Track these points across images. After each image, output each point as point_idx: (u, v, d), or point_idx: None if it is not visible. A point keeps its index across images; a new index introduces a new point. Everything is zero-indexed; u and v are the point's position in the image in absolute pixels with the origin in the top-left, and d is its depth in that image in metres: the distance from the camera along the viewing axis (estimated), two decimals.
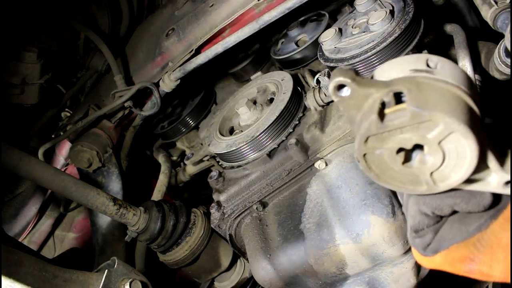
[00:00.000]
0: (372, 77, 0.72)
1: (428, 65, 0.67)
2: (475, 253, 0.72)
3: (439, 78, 0.65)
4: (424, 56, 0.69)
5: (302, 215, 1.21)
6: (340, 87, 0.68)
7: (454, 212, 0.75)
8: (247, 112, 1.45)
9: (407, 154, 0.69)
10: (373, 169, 0.72)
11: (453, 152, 0.65)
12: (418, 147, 0.68)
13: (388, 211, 1.06)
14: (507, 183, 0.67)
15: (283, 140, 1.33)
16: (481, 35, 1.45)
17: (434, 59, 0.67)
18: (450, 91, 0.64)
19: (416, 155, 0.69)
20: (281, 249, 1.18)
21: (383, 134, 0.66)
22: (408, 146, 0.67)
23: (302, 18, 1.80)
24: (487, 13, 1.24)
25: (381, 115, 0.65)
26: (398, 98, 0.66)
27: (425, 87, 0.64)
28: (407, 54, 1.25)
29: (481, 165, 0.66)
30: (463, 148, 0.63)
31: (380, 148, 0.68)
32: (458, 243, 0.73)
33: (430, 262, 0.80)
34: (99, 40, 1.93)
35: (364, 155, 0.71)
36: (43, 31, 1.94)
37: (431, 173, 0.69)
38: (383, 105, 0.66)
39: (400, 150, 0.68)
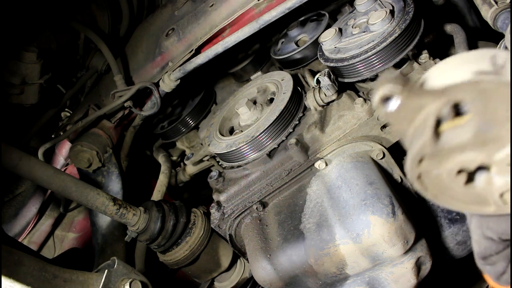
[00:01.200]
0: (422, 84, 0.60)
1: (495, 64, 0.55)
2: None
3: (509, 80, 0.52)
4: (489, 52, 0.56)
5: (302, 215, 1.21)
6: (387, 97, 0.57)
7: None
8: (247, 112, 1.45)
9: (470, 173, 0.59)
10: (430, 189, 0.62)
11: None
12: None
13: (388, 211, 1.06)
14: None
15: (283, 140, 1.33)
16: (481, 35, 1.46)
17: (502, 56, 0.55)
18: None
19: (481, 174, 0.58)
20: (281, 249, 1.18)
21: (440, 154, 0.56)
22: (471, 167, 0.56)
23: (302, 18, 1.80)
24: (487, 13, 1.24)
25: (437, 132, 0.55)
26: (458, 108, 0.55)
27: (491, 95, 0.51)
28: (407, 54, 1.25)
29: None
30: None
31: (437, 169, 0.58)
32: None
33: None
34: (99, 40, 1.93)
35: (419, 175, 0.60)
36: (43, 31, 1.94)
37: (501, 194, 0.58)
38: (439, 120, 0.55)
39: (461, 170, 0.58)
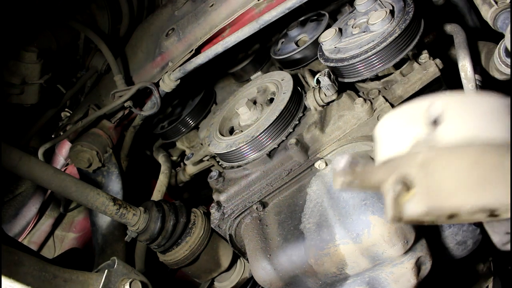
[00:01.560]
0: (374, 161, 0.58)
1: (430, 121, 0.50)
2: None
3: (448, 142, 0.48)
4: (424, 105, 0.51)
5: (302, 215, 1.21)
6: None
7: None
8: (247, 112, 1.44)
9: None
10: (426, 222, 0.60)
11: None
12: None
13: None
14: None
15: (283, 140, 1.33)
16: (481, 35, 1.46)
17: (437, 106, 0.49)
18: (467, 157, 0.47)
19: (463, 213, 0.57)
20: (281, 249, 1.18)
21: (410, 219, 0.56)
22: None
23: (302, 18, 1.80)
24: (487, 13, 1.24)
25: (400, 203, 0.54)
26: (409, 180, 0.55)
27: (433, 167, 0.50)
28: (407, 54, 1.25)
29: None
30: None
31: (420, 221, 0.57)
32: None
33: None
34: (99, 40, 1.93)
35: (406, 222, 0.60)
36: (43, 31, 1.94)
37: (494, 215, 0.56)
38: (399, 193, 0.54)
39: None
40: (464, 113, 0.47)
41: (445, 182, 0.48)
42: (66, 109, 2.09)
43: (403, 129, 0.52)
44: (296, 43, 1.73)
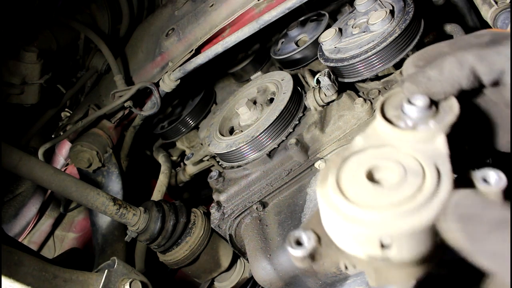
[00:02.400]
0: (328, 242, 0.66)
1: (384, 245, 0.57)
2: None
3: (398, 261, 0.59)
4: (375, 233, 0.58)
5: (302, 215, 1.21)
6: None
7: None
8: (247, 112, 1.44)
9: None
10: None
11: None
12: None
13: None
14: None
15: (283, 140, 1.33)
16: None
17: (388, 237, 0.57)
18: (413, 273, 0.62)
19: None
20: (281, 249, 1.18)
21: None
22: None
23: (302, 18, 1.80)
24: (487, 13, 1.24)
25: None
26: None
27: (382, 271, 0.62)
28: (407, 54, 1.25)
29: None
30: None
31: None
32: None
33: None
34: (99, 40, 1.94)
35: None
36: (43, 31, 1.94)
37: None
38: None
39: None
40: (407, 241, 0.58)
41: (391, 277, 0.63)
42: (66, 109, 2.09)
43: (359, 245, 0.60)
44: (296, 43, 1.73)
